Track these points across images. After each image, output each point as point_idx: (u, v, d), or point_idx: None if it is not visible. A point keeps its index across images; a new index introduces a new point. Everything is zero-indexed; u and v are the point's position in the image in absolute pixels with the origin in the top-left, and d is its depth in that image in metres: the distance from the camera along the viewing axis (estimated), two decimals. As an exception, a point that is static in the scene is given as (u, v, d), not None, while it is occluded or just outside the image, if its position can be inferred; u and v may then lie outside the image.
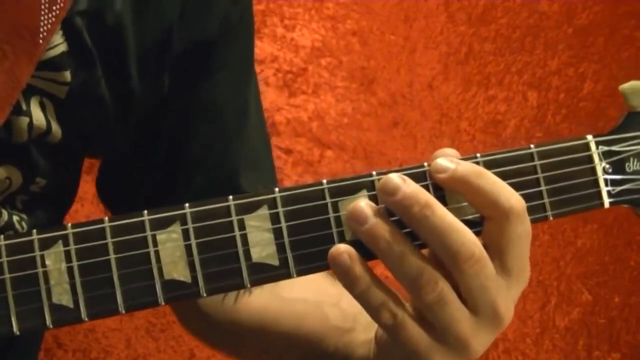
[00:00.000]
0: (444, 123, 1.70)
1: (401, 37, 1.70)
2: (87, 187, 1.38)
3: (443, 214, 0.70)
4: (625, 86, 0.79)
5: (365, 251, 0.71)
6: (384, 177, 0.71)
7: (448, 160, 0.72)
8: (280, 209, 0.71)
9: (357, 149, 1.65)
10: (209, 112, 0.97)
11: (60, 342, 1.48)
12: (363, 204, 0.70)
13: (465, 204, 0.73)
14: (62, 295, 0.69)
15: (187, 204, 0.70)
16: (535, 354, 1.69)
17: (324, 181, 0.71)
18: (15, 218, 0.90)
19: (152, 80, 0.92)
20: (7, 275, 0.69)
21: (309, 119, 1.63)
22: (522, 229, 0.71)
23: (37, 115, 0.86)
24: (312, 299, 0.90)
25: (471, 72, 1.73)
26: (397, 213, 0.71)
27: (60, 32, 0.85)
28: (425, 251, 0.72)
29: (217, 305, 0.96)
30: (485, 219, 0.72)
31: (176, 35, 0.91)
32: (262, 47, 1.62)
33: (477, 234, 0.72)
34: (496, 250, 0.71)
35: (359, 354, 0.81)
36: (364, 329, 0.82)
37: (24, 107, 0.85)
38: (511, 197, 0.71)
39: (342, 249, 0.70)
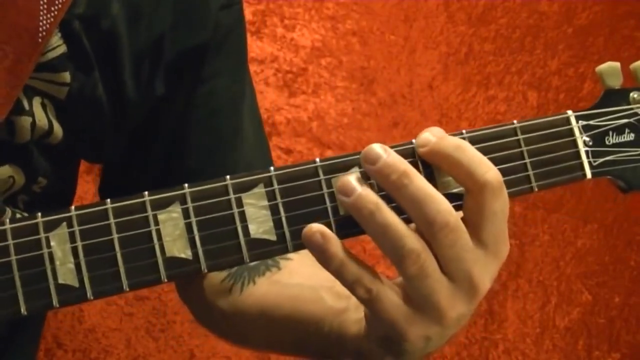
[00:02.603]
0: (444, 123, 1.70)
1: (401, 37, 1.71)
2: (87, 187, 1.39)
3: (420, 184, 0.71)
4: (602, 67, 0.82)
5: (356, 228, 0.73)
6: (367, 146, 0.73)
7: (431, 135, 0.73)
8: (276, 187, 0.73)
9: (357, 149, 1.63)
10: (204, 123, 0.99)
11: (60, 342, 1.48)
12: (351, 177, 0.72)
13: (451, 178, 0.74)
14: (67, 275, 0.70)
15: (186, 184, 0.72)
16: (535, 354, 1.69)
17: (317, 159, 0.74)
18: (17, 216, 0.91)
19: (145, 86, 0.94)
20: (13, 257, 0.70)
21: (309, 119, 1.64)
22: (498, 205, 0.72)
23: (40, 116, 0.88)
24: (309, 283, 0.92)
25: (471, 72, 1.73)
26: (377, 181, 0.72)
27: (59, 35, 0.87)
28: None
29: (225, 296, 0.99)
30: (465, 193, 0.74)
31: (168, 43, 0.93)
32: (262, 47, 1.63)
33: (461, 207, 0.74)
34: (473, 223, 0.73)
35: (351, 333, 0.83)
36: (356, 308, 0.83)
37: (27, 107, 0.86)
38: (487, 171, 0.72)
39: (315, 229, 0.71)
